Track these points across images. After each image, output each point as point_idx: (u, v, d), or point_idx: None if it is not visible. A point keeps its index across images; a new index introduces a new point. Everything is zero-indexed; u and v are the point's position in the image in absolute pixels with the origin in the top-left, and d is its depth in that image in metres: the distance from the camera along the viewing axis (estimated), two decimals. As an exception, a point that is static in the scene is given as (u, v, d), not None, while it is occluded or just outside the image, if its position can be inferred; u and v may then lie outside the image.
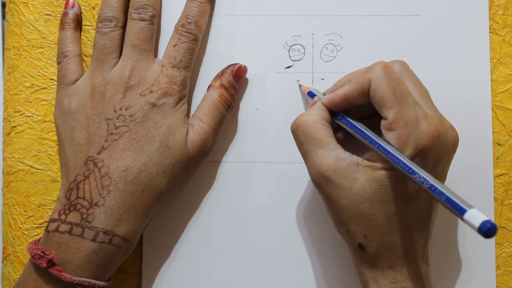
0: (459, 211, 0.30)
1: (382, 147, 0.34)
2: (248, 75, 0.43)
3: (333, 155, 0.36)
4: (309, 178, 0.42)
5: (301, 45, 0.43)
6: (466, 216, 0.29)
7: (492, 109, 0.42)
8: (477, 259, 0.42)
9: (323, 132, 0.37)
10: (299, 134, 0.37)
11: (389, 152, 0.34)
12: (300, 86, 0.43)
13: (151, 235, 0.43)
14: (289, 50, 0.43)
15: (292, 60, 0.43)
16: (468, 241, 0.42)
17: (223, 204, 0.43)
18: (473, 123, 0.42)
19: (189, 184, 0.42)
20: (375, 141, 0.35)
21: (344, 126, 0.38)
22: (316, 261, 0.42)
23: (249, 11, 0.44)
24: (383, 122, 0.35)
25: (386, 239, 0.35)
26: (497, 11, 0.43)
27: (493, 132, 0.42)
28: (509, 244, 0.42)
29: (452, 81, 0.42)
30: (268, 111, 0.43)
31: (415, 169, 0.32)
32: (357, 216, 0.35)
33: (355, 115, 0.38)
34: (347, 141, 0.38)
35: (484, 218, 0.28)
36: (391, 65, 0.36)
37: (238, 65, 0.42)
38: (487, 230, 0.28)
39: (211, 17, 0.44)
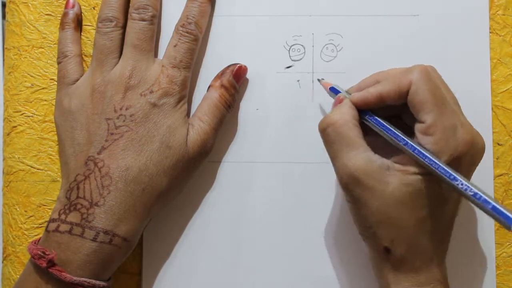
0: (507, 221, 0.30)
1: (419, 151, 0.34)
2: (248, 75, 0.43)
3: (365, 157, 0.35)
4: (309, 178, 0.42)
5: (301, 45, 0.43)
6: None
7: (492, 109, 0.42)
8: (477, 259, 0.42)
9: (355, 133, 0.36)
10: (329, 133, 0.36)
11: (426, 157, 0.33)
12: (319, 80, 0.42)
13: (151, 235, 0.43)
14: (289, 50, 0.43)
15: (292, 60, 0.43)
16: (468, 241, 0.42)
17: (223, 204, 0.43)
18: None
19: (189, 184, 0.42)
20: (411, 144, 0.34)
21: (373, 127, 0.37)
22: (316, 260, 0.42)
23: (249, 11, 0.44)
24: (419, 126, 0.35)
25: (413, 243, 0.35)
26: (497, 11, 0.43)
27: (493, 132, 0.42)
28: (509, 244, 0.42)
29: (452, 81, 0.42)
30: (268, 111, 0.43)
31: (456, 175, 0.32)
32: (385, 220, 0.35)
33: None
34: (372, 143, 0.38)
35: None
36: (429, 69, 0.36)
37: (238, 65, 0.42)
38: None
39: (211, 17, 0.44)
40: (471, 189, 0.32)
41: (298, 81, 0.43)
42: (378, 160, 0.35)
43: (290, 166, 0.43)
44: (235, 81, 0.42)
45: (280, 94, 0.43)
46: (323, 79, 0.43)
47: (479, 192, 0.31)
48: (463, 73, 0.42)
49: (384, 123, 0.36)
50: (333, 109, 0.38)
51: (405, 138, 0.35)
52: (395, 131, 0.36)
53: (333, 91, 0.40)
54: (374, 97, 0.36)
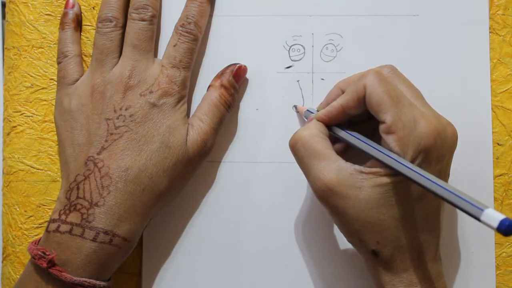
0: (475, 213, 0.29)
1: (382, 154, 0.34)
2: (248, 75, 0.43)
3: (335, 166, 0.35)
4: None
5: (301, 45, 0.43)
6: (483, 217, 0.29)
7: (492, 109, 0.42)
8: (477, 259, 0.42)
9: (322, 145, 0.36)
10: (298, 148, 0.37)
11: (393, 160, 0.34)
12: (295, 106, 0.43)
13: (151, 235, 0.43)
14: (289, 50, 0.43)
15: (292, 60, 0.43)
16: (468, 241, 0.42)
17: (223, 204, 0.43)
18: (473, 123, 0.42)
19: (189, 184, 0.42)
20: (377, 150, 0.35)
21: (342, 139, 0.38)
22: (317, 261, 0.42)
23: (249, 11, 0.44)
24: (381, 126, 0.35)
25: (399, 243, 0.35)
26: (497, 11, 0.43)
27: (493, 132, 0.42)
28: (509, 244, 0.42)
29: (452, 81, 0.42)
30: (268, 111, 0.43)
31: (422, 173, 0.32)
32: (366, 224, 0.35)
33: (349, 122, 0.38)
34: (346, 153, 0.39)
35: (501, 216, 0.28)
36: (381, 70, 0.37)
37: (238, 65, 0.42)
38: (506, 229, 0.28)
39: (211, 17, 0.44)
40: (439, 185, 0.31)
41: (298, 81, 0.43)
42: (349, 167, 0.35)
43: (290, 166, 0.43)
44: (235, 81, 0.42)
45: (280, 94, 0.43)
46: (295, 105, 0.43)
47: (446, 187, 0.31)
48: (463, 73, 0.42)
49: (351, 134, 0.37)
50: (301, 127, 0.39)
51: (372, 145, 0.35)
52: (361, 139, 0.36)
53: (307, 115, 0.41)
54: (337, 110, 0.37)
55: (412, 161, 0.34)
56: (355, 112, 0.37)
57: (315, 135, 0.37)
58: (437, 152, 0.34)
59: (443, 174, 0.36)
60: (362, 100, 0.36)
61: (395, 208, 0.35)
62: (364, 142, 0.36)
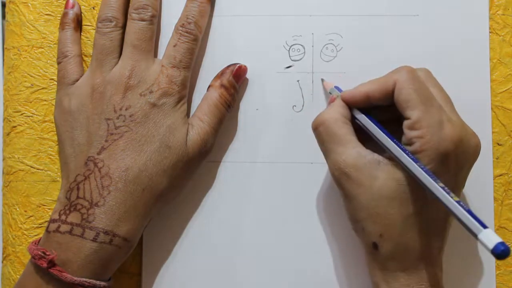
0: (474, 230, 0.30)
1: (397, 152, 0.34)
2: (248, 75, 0.43)
3: (354, 152, 0.36)
4: (309, 178, 0.42)
5: (301, 45, 0.43)
6: (481, 236, 0.30)
7: (492, 109, 0.42)
8: (477, 259, 0.42)
9: (344, 130, 0.37)
10: (320, 132, 0.37)
11: (407, 160, 0.34)
12: (322, 80, 0.43)
13: (151, 235, 0.43)
14: (289, 50, 0.43)
15: (292, 60, 0.43)
16: (468, 241, 0.42)
17: (223, 204, 0.43)
18: (473, 123, 0.42)
19: (189, 184, 0.42)
20: (395, 148, 0.35)
21: (364, 128, 0.38)
22: (317, 260, 0.42)
23: (249, 11, 0.44)
24: (406, 122, 0.35)
25: (401, 240, 0.35)
26: (497, 11, 0.43)
27: (493, 132, 0.42)
28: (509, 244, 0.42)
29: (452, 81, 0.42)
30: (268, 111, 0.43)
31: (433, 181, 0.32)
32: (374, 214, 0.35)
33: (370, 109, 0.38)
34: (368, 139, 0.38)
35: (498, 240, 0.29)
36: (416, 70, 0.37)
37: (238, 65, 0.42)
38: (501, 252, 0.29)
39: (211, 17, 0.44)
40: (445, 195, 0.32)
41: (298, 81, 0.43)
42: (368, 155, 0.36)
43: (290, 166, 0.43)
44: (235, 81, 0.42)
45: (280, 94, 0.43)
46: (322, 79, 0.43)
47: (451, 199, 0.31)
48: (463, 73, 0.42)
49: (370, 123, 0.37)
50: (325, 108, 0.39)
51: (387, 138, 0.36)
52: (378, 130, 0.36)
53: (334, 91, 0.41)
54: (361, 95, 0.37)
55: (429, 163, 0.34)
56: (379, 102, 0.37)
57: (337, 119, 0.37)
58: (456, 160, 0.34)
59: (460, 184, 0.36)
60: (390, 94, 0.36)
61: (405, 204, 0.35)
62: (384, 136, 0.36)
